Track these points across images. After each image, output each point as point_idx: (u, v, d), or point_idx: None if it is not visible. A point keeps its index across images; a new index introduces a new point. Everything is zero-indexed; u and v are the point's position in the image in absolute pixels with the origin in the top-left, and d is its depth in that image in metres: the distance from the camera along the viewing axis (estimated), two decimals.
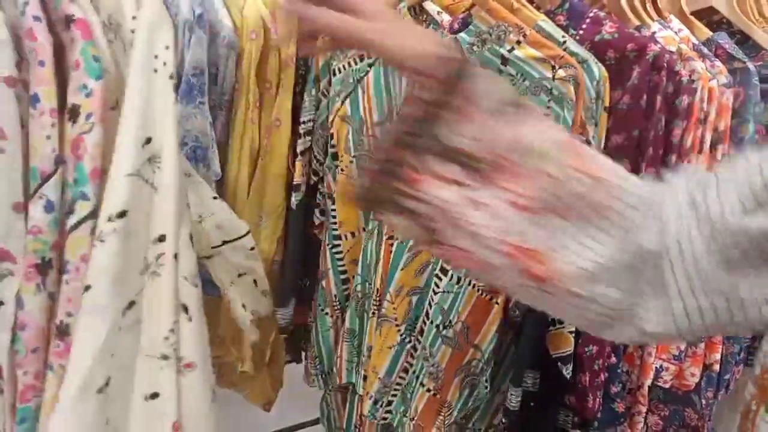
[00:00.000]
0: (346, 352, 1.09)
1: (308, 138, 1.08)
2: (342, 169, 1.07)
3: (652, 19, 1.16)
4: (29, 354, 0.66)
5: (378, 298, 1.03)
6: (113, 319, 0.65)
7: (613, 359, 1.15)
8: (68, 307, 0.65)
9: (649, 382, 1.20)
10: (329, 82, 1.07)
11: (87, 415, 0.65)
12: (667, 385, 1.26)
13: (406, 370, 1.02)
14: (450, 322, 0.95)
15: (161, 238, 0.68)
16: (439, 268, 0.95)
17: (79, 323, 0.64)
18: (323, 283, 1.11)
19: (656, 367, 1.21)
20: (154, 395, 0.69)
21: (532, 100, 0.83)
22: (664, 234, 0.51)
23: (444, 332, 0.96)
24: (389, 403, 1.04)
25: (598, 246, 0.51)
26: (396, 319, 1.00)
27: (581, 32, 1.05)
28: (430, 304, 0.97)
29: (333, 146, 1.06)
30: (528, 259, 0.51)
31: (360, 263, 1.05)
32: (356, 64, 1.03)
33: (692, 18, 1.24)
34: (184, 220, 0.69)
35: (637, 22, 1.13)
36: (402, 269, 0.97)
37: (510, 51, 0.87)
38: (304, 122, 1.08)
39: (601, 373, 1.06)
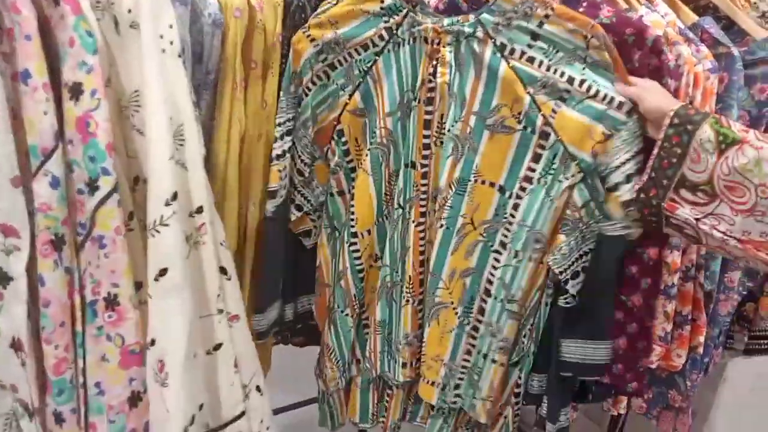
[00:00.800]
0: (379, 344, 1.10)
1: (288, 139, 1.04)
2: (360, 164, 1.05)
3: (640, 3, 1.18)
4: (57, 328, 0.68)
5: (411, 285, 1.04)
6: (191, 294, 0.70)
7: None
8: (112, 278, 0.69)
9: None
10: (312, 81, 1.03)
11: (193, 380, 0.73)
12: (653, 366, 1.28)
13: (469, 352, 1.04)
14: (513, 295, 0.98)
15: (199, 210, 0.72)
16: (497, 244, 0.97)
17: (167, 304, 0.69)
18: (341, 283, 1.10)
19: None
20: (218, 346, 0.76)
21: (567, 68, 0.88)
22: None
23: (509, 306, 0.98)
24: (457, 386, 1.06)
25: None
26: (452, 303, 1.01)
27: None
28: (489, 281, 0.99)
29: (345, 143, 1.05)
30: (756, 248, 0.80)
31: (387, 254, 1.06)
32: (358, 54, 1.01)
33: (679, 2, 1.26)
34: (209, 191, 0.73)
35: (625, 6, 1.15)
36: (452, 254, 0.99)
37: (540, 26, 0.88)
38: (280, 123, 1.04)
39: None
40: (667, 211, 0.87)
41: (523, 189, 0.94)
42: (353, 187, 1.06)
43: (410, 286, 1.04)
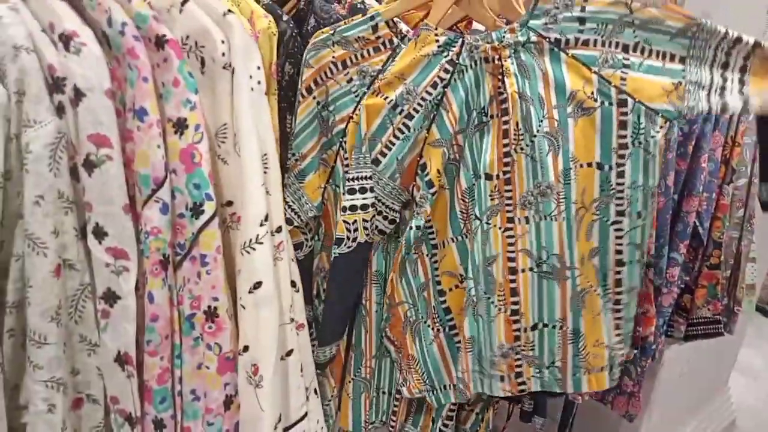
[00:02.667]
0: (470, 362, 1.16)
1: (360, 196, 1.11)
2: (441, 187, 1.13)
3: None
4: (163, 341, 0.78)
5: (502, 294, 1.10)
6: (278, 305, 0.81)
7: None
8: (213, 293, 0.79)
9: None
10: (394, 135, 1.10)
11: (281, 381, 0.85)
12: None
13: (618, 327, 1.11)
14: (644, 252, 1.08)
15: (278, 230, 0.84)
16: (613, 215, 1.06)
17: (260, 314, 0.80)
18: (425, 294, 1.16)
19: None
20: (289, 352, 0.87)
21: (619, 38, 0.98)
22: None
23: (643, 261, 1.09)
24: (620, 364, 1.14)
25: None
26: (592, 286, 1.09)
27: None
28: (618, 251, 1.07)
29: (427, 174, 1.11)
30: None
31: (469, 268, 1.11)
32: (430, 95, 1.08)
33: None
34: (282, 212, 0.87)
35: None
36: (577, 241, 1.07)
37: (582, 10, 0.99)
38: (351, 179, 1.10)
39: None
40: None
41: (621, 156, 1.03)
42: (430, 212, 1.13)
43: (501, 295, 1.10)
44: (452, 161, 1.10)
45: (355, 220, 1.10)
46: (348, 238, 1.10)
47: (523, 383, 1.14)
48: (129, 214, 0.76)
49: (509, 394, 1.16)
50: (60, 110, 0.74)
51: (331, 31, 1.06)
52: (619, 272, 1.09)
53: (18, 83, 0.72)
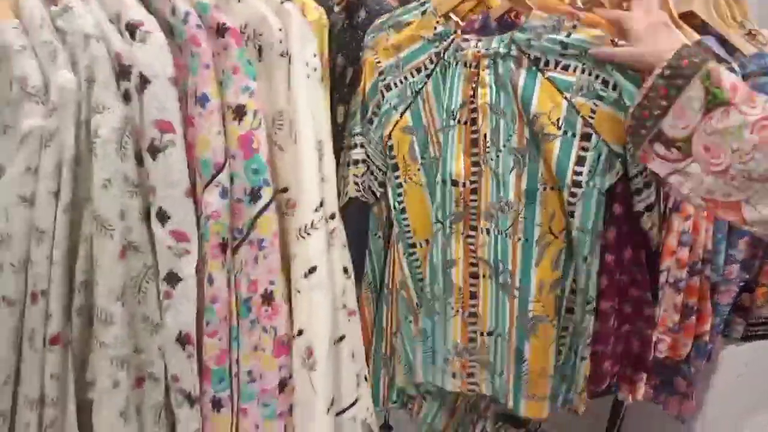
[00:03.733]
0: (420, 353, 1.20)
1: (358, 150, 1.19)
2: (409, 178, 1.17)
3: None
4: (221, 322, 0.82)
5: (461, 297, 1.14)
6: (331, 290, 0.85)
7: None
8: (270, 277, 0.83)
9: (650, 351, 1.43)
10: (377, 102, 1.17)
11: (333, 365, 0.87)
12: (662, 356, 1.49)
13: (560, 352, 1.12)
14: (591, 297, 1.08)
15: (332, 216, 0.87)
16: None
17: (314, 299, 0.84)
18: (403, 293, 1.20)
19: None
20: (341, 338, 0.90)
21: (599, 71, 0.99)
22: None
23: (588, 307, 1.09)
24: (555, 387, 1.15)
25: None
26: (548, 316, 1.09)
27: None
28: (572, 289, 1.09)
29: (393, 157, 1.17)
30: (723, 209, 0.88)
31: (428, 268, 1.16)
32: (412, 77, 1.14)
33: (681, 22, 1.49)
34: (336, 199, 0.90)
35: None
36: (537, 266, 1.07)
37: (568, 36, 1.01)
38: (356, 134, 1.19)
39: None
40: (640, 160, 0.94)
41: (573, 195, 1.02)
42: (400, 202, 1.17)
43: (460, 298, 1.13)
44: (432, 159, 1.12)
45: (347, 176, 1.16)
46: (340, 192, 1.13)
47: (475, 384, 1.17)
48: (191, 198, 0.80)
49: (459, 390, 1.18)
50: (126, 97, 0.78)
51: (388, 16, 1.13)
52: (573, 301, 1.10)
53: (88, 70, 0.76)
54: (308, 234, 0.83)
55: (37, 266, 0.78)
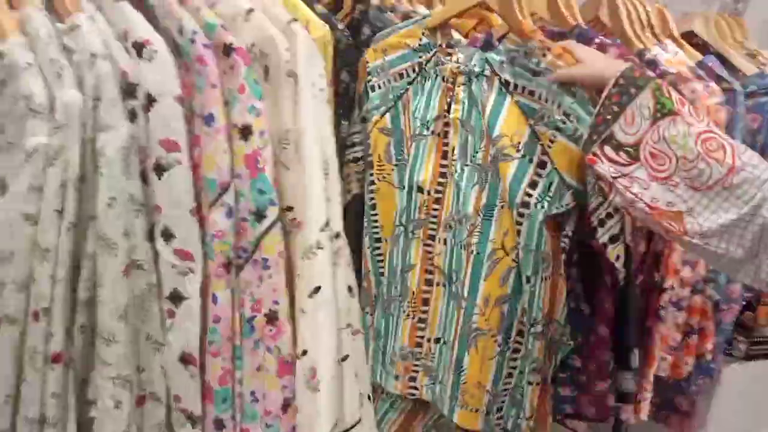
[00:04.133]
0: (372, 352, 1.20)
1: (357, 148, 1.22)
2: (383, 177, 1.18)
3: (652, 43, 1.40)
4: (225, 342, 0.82)
5: (414, 301, 1.16)
6: (335, 310, 0.84)
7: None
8: (274, 296, 0.83)
9: (653, 371, 1.43)
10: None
11: (338, 384, 0.87)
12: (664, 374, 1.49)
13: (510, 375, 1.12)
14: (535, 318, 1.09)
15: (338, 235, 0.87)
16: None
17: (318, 319, 0.83)
18: (364, 284, 1.22)
19: None
20: (345, 357, 0.90)
21: (561, 101, 1.02)
22: None
23: (532, 329, 1.10)
24: (499, 409, 1.14)
25: (722, 213, 0.87)
26: (491, 331, 1.09)
27: None
28: (523, 308, 1.09)
29: (370, 155, 1.19)
30: (663, 217, 0.90)
31: (387, 267, 1.18)
32: (396, 81, 1.18)
33: (683, 41, 1.50)
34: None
35: (640, 46, 1.37)
36: (485, 280, 1.08)
37: (537, 64, 1.05)
38: (351, 133, 1.22)
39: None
40: (589, 163, 0.96)
41: (521, 215, 1.05)
42: (372, 198, 1.19)
43: (413, 302, 1.15)
44: (405, 162, 1.14)
45: (349, 174, 1.19)
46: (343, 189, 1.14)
47: (415, 388, 1.18)
48: (196, 217, 0.79)
49: (398, 392, 1.19)
50: (132, 115, 0.78)
51: (390, 29, 1.18)
52: (523, 324, 1.10)
53: (95, 89, 0.76)
54: (313, 254, 0.83)
55: (40, 284, 0.77)
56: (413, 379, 1.17)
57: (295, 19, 0.84)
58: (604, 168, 0.93)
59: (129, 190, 0.78)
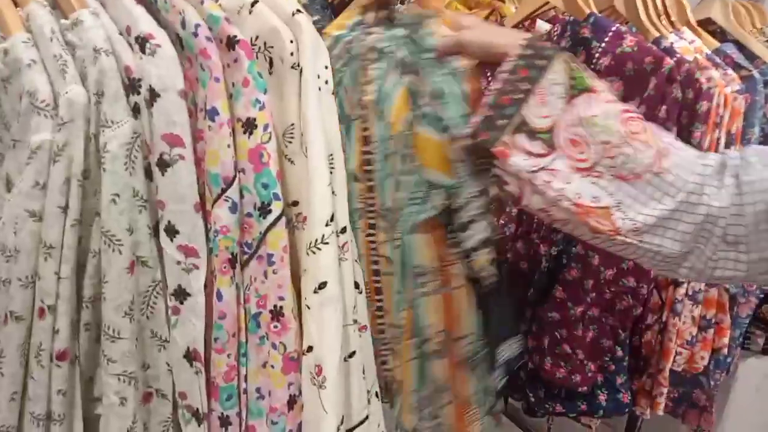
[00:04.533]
0: None
1: None
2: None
3: (668, 31, 1.37)
4: (230, 338, 0.81)
5: (368, 291, 1.10)
6: (342, 306, 0.83)
7: (619, 352, 1.35)
8: (279, 292, 0.81)
9: (669, 365, 1.41)
10: None
11: (343, 383, 0.85)
12: (679, 369, 1.47)
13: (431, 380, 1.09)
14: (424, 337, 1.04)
15: (343, 230, 0.86)
16: None
17: (324, 315, 0.81)
18: None
19: None
20: (352, 354, 0.88)
21: (431, 77, 0.92)
22: (716, 197, 0.73)
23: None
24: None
25: (653, 204, 0.73)
26: (404, 329, 1.07)
27: (604, 45, 1.23)
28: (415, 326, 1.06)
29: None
30: (591, 215, 0.74)
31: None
32: (336, 64, 1.05)
33: (700, 29, 1.47)
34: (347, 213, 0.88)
35: (656, 34, 1.34)
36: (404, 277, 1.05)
37: (423, 38, 0.94)
38: None
39: (579, 353, 1.26)
40: (495, 159, 0.78)
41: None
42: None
43: (368, 291, 1.11)
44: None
45: None
46: None
47: (389, 370, 1.15)
48: (200, 212, 0.78)
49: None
50: (136, 110, 0.77)
51: None
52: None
53: (97, 84, 0.76)
54: (318, 249, 0.81)
55: (45, 281, 0.77)
56: (384, 363, 1.15)
57: (300, 11, 0.82)
58: (519, 162, 0.76)
59: (132, 185, 0.77)
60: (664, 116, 1.17)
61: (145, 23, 0.78)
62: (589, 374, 1.28)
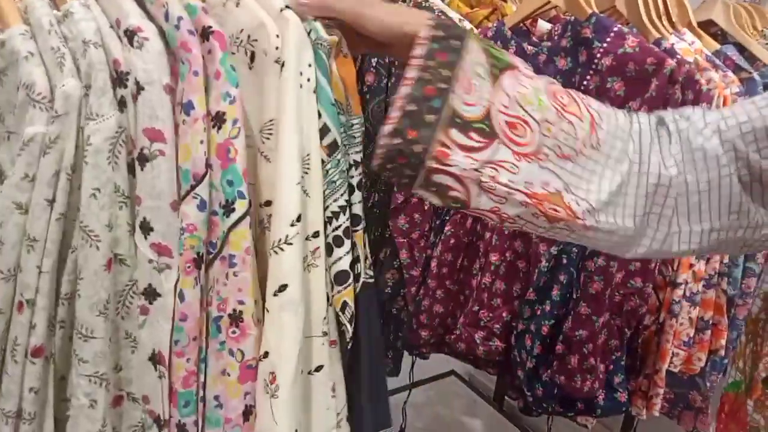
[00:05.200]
0: None
1: None
2: None
3: (669, 32, 1.33)
4: (191, 342, 0.76)
5: None
6: (303, 312, 0.77)
7: (618, 352, 1.32)
8: (239, 296, 0.76)
9: (666, 366, 1.37)
10: None
11: (298, 395, 0.78)
12: (676, 370, 1.43)
13: None
14: None
15: (315, 234, 0.79)
16: None
17: (282, 319, 0.76)
18: None
19: None
20: (318, 368, 0.81)
21: None
22: (661, 165, 0.67)
23: None
24: None
25: (600, 181, 0.66)
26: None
27: (606, 45, 1.20)
28: None
29: None
30: (543, 203, 0.65)
31: None
32: None
33: (701, 31, 1.42)
34: (322, 218, 0.81)
35: (657, 35, 1.30)
36: None
37: None
38: None
39: (598, 361, 1.22)
40: (435, 161, 0.64)
41: None
42: None
43: None
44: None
45: None
46: None
47: None
48: (176, 211, 0.75)
49: None
50: (122, 104, 0.74)
51: None
52: None
53: (86, 77, 0.73)
54: (281, 249, 0.75)
55: (26, 274, 0.74)
56: None
57: (288, 7, 0.79)
58: (459, 160, 0.63)
59: (114, 180, 0.73)
60: None
61: (134, 16, 0.75)
62: (601, 376, 1.25)
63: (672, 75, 1.14)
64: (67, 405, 0.78)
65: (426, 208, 1.26)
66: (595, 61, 1.18)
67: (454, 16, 1.31)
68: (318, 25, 0.80)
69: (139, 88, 0.73)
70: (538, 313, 1.28)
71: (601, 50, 1.20)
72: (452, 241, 1.26)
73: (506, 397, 1.49)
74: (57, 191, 0.74)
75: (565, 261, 1.23)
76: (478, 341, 1.28)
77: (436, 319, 1.34)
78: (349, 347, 0.85)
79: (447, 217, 1.28)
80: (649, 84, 1.15)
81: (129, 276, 0.76)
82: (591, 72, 1.17)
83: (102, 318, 0.74)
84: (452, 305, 1.34)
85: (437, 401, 2.52)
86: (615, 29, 1.20)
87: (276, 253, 0.76)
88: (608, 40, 1.21)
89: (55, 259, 0.75)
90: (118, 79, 0.74)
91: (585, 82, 1.17)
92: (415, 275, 1.21)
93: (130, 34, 0.74)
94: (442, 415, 2.50)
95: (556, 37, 1.29)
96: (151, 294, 0.76)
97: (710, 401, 1.53)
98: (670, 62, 1.13)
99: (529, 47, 1.25)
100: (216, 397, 0.79)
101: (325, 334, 0.81)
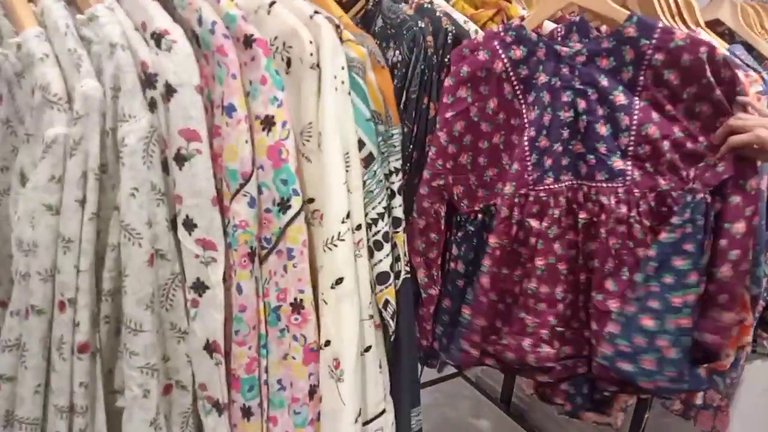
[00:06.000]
0: None
1: None
2: None
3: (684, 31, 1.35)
4: (251, 331, 0.81)
5: None
6: (358, 301, 0.83)
7: None
8: (299, 285, 0.81)
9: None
10: None
11: (360, 375, 0.86)
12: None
13: None
14: None
15: (358, 227, 0.85)
16: None
17: (342, 310, 0.82)
18: None
19: None
20: (368, 349, 0.88)
21: None
22: None
23: None
24: None
25: None
26: None
27: (655, 41, 1.21)
28: None
29: None
30: None
31: None
32: None
33: (708, 30, 1.45)
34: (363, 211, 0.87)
35: None
36: None
37: None
38: None
39: None
40: None
41: None
42: None
43: None
44: None
45: None
46: None
47: None
48: (217, 206, 0.78)
49: None
50: (152, 105, 0.77)
51: None
52: None
53: (114, 79, 0.75)
54: (335, 245, 0.81)
55: (64, 275, 0.77)
56: None
57: (318, 12, 0.82)
58: None
59: (150, 179, 0.76)
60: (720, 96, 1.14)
61: (160, 19, 0.78)
62: None
63: (725, 60, 1.15)
64: (115, 397, 0.82)
65: (442, 227, 1.27)
66: (647, 57, 1.18)
67: (459, 17, 1.33)
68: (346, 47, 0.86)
69: (171, 90, 0.76)
70: None
71: (652, 47, 1.19)
72: (498, 252, 1.25)
73: (546, 402, 1.45)
74: (87, 192, 0.76)
75: None
76: (527, 348, 1.27)
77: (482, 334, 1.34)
78: (392, 340, 0.94)
79: (471, 228, 1.28)
80: (704, 71, 1.15)
81: (170, 270, 0.80)
82: (644, 67, 1.17)
83: (149, 311, 0.77)
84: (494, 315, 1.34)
85: (444, 402, 2.53)
86: (660, 26, 1.20)
87: (330, 249, 0.81)
88: (656, 36, 1.20)
89: (92, 257, 0.78)
90: (147, 80, 0.77)
91: (641, 78, 1.16)
92: (433, 294, 1.23)
93: (158, 37, 0.77)
94: (449, 416, 2.50)
95: (558, 37, 1.29)
96: (200, 287, 0.79)
97: (730, 399, 1.54)
98: (721, 50, 1.14)
99: (564, 49, 1.25)
100: (279, 381, 0.85)
101: (371, 317, 0.87)
